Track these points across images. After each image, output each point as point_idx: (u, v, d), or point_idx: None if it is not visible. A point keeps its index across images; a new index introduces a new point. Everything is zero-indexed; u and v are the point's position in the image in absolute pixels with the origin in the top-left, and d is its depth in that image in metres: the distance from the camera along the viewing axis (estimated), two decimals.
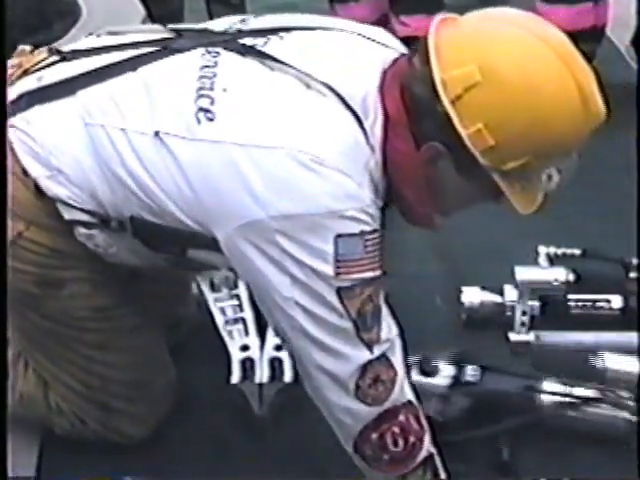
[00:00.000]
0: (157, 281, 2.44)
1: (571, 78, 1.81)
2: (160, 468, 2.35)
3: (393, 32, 3.61)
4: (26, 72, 2.11)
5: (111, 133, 1.95)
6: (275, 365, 2.52)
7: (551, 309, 2.69)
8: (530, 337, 2.65)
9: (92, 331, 2.24)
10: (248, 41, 1.99)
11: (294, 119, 1.87)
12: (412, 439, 2.01)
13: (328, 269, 1.84)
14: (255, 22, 2.08)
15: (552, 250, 2.87)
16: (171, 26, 2.14)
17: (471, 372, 2.40)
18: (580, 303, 2.70)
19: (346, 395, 1.94)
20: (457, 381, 2.39)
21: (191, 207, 1.92)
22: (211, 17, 3.89)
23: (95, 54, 2.07)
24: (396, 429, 1.99)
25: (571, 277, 2.71)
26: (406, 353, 2.05)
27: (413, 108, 1.87)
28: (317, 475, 2.30)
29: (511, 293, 2.69)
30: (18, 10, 3.35)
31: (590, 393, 2.40)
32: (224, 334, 2.61)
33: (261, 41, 1.98)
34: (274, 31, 2.02)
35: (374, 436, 1.98)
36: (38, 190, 2.03)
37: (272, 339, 2.57)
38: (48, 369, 2.33)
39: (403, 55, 1.98)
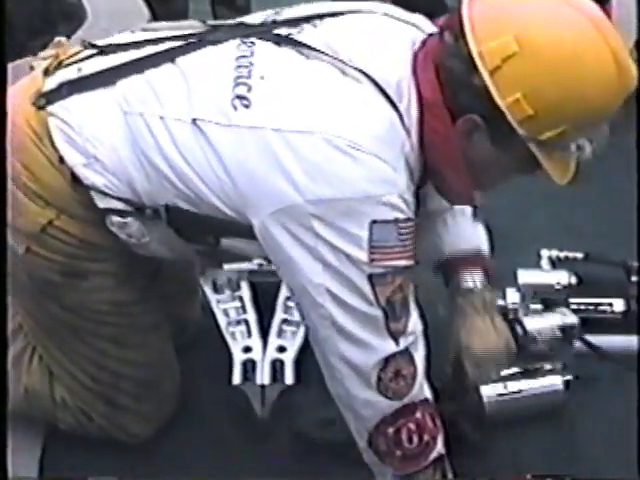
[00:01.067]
0: (172, 282, 2.46)
1: (606, 46, 1.78)
2: (162, 467, 2.35)
3: None
4: (61, 63, 2.11)
5: (150, 121, 1.96)
6: (277, 367, 2.51)
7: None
8: None
9: (109, 325, 2.23)
10: (283, 31, 1.99)
11: (331, 105, 1.87)
12: (426, 437, 2.01)
13: (362, 255, 1.83)
14: (289, 12, 2.06)
15: (554, 253, 2.85)
16: (208, 22, 2.15)
17: None
18: (582, 306, 2.68)
19: (367, 387, 1.94)
20: None
21: (227, 194, 1.92)
22: (216, 19, 3.87)
23: (133, 47, 2.08)
24: (412, 425, 1.98)
25: (573, 280, 2.69)
26: (429, 350, 2.03)
27: (448, 83, 1.86)
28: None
29: (513, 296, 2.68)
30: (22, 12, 3.33)
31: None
32: (227, 336, 2.60)
33: (295, 30, 1.98)
34: (307, 19, 2.01)
35: (390, 430, 1.98)
36: (74, 179, 2.02)
37: (274, 341, 2.57)
38: (58, 360, 2.32)
39: (430, 35, 1.97)
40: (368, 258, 1.84)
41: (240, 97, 1.88)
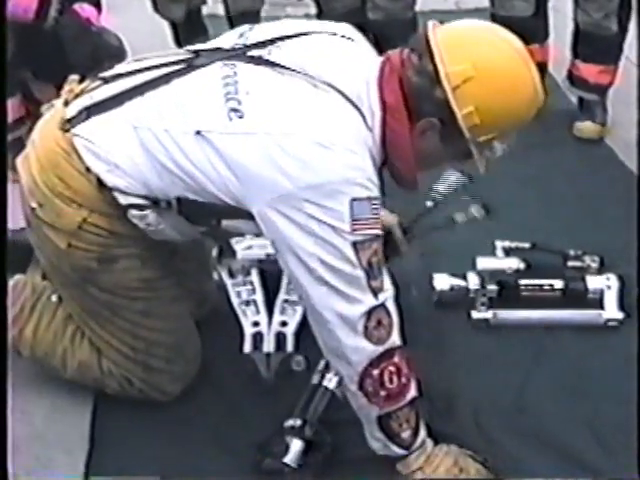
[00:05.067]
0: (188, 261, 2.43)
1: (531, 78, 1.93)
2: (187, 420, 2.29)
3: None
4: (77, 95, 2.11)
5: (157, 134, 1.96)
6: (280, 338, 2.44)
7: (506, 292, 2.61)
8: (488, 315, 2.58)
9: (140, 300, 2.20)
10: (254, 53, 1.99)
11: (309, 111, 1.90)
12: (404, 379, 2.01)
13: (345, 226, 1.85)
14: (254, 35, 2.06)
15: (506, 244, 2.78)
16: (188, 48, 2.13)
17: None
18: (529, 287, 2.62)
19: (355, 335, 1.93)
20: None
21: (228, 187, 1.93)
22: None
23: (131, 75, 2.07)
24: (392, 368, 1.98)
25: (522, 266, 2.64)
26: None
27: (412, 93, 1.93)
28: None
29: (473, 279, 2.61)
30: (78, 54, 3.29)
31: None
32: (239, 313, 2.54)
33: (265, 52, 1.99)
34: (271, 42, 2.01)
35: (375, 372, 1.97)
36: (99, 183, 2.02)
37: (278, 317, 2.50)
38: (101, 336, 2.26)
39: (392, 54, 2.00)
40: (350, 228, 1.85)
41: (234, 110, 1.89)
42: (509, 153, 3.40)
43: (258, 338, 2.44)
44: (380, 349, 1.96)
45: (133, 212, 2.04)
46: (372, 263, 1.90)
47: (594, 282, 2.60)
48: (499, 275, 2.60)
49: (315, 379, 2.22)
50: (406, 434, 2.05)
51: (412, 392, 2.04)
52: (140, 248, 2.14)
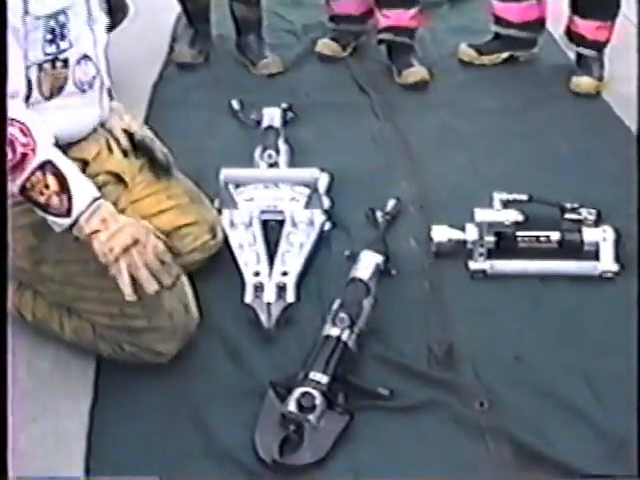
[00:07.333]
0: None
1: None
2: (188, 371, 2.24)
3: (377, 22, 3.57)
4: None
5: None
6: (281, 288, 2.41)
7: (503, 243, 2.58)
8: (486, 265, 2.56)
9: (91, 260, 2.01)
10: None
11: None
12: (20, 149, 1.88)
13: None
14: None
15: (504, 196, 2.74)
16: None
17: None
18: (526, 238, 2.59)
19: None
20: None
21: None
22: (232, 13, 3.73)
23: None
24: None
25: (519, 218, 2.60)
26: None
27: None
28: None
29: (472, 231, 2.58)
30: None
31: None
32: (240, 263, 2.52)
33: None
34: None
35: None
36: None
37: (279, 267, 2.48)
38: (81, 315, 2.21)
39: None
40: None
41: None
42: (507, 107, 3.43)
43: (259, 288, 2.40)
44: None
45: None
46: None
47: (590, 234, 2.58)
48: (497, 227, 2.57)
49: (329, 330, 2.19)
50: (55, 201, 1.93)
51: (39, 159, 1.91)
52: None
